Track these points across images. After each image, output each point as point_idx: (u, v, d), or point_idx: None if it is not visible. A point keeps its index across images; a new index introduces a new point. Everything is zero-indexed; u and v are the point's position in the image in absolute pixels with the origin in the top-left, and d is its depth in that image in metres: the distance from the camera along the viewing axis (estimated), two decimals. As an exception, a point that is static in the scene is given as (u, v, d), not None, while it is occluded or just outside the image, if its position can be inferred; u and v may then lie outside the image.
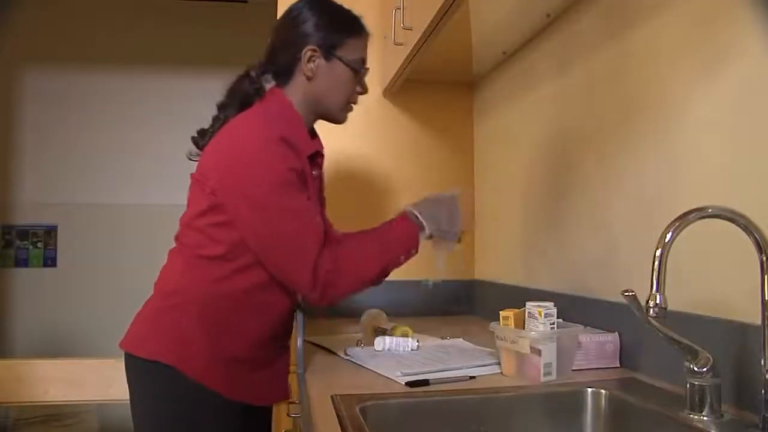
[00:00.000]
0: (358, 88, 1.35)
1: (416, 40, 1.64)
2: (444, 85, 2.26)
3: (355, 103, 1.37)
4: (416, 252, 1.29)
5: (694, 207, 0.84)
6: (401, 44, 1.78)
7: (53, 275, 4.27)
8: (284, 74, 1.31)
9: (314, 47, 1.27)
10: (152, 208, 4.05)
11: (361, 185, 2.22)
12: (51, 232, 4.30)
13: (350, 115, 2.18)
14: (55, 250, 4.30)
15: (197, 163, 1.27)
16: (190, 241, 1.25)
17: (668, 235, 0.82)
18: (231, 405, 1.21)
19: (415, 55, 1.74)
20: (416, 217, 1.29)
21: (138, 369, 1.23)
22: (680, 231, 0.82)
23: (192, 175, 1.27)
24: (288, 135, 1.21)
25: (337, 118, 1.37)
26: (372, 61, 2.18)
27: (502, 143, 2.07)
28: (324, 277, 1.15)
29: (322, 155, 1.38)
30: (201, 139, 1.33)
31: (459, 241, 1.37)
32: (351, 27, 1.32)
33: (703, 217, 0.83)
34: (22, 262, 4.27)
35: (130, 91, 4.32)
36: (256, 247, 1.18)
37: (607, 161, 1.39)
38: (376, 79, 2.23)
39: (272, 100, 1.30)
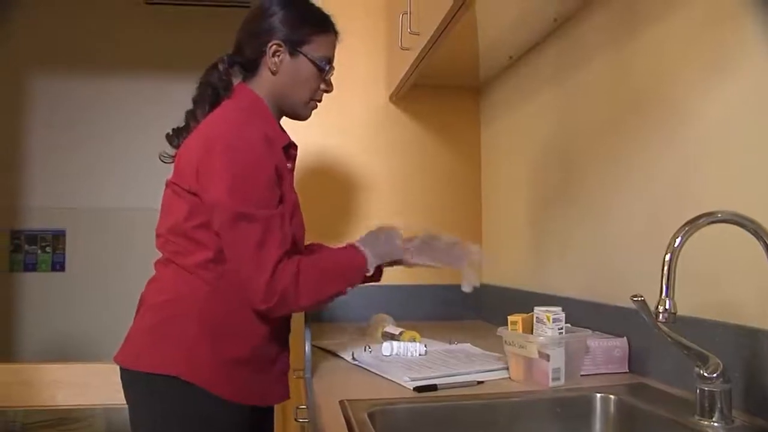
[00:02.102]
0: (323, 86, 1.35)
1: (423, 45, 1.64)
2: (450, 89, 2.26)
3: (319, 100, 1.37)
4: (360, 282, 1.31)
5: (703, 212, 0.84)
6: (408, 49, 1.78)
7: (61, 279, 4.29)
8: (251, 67, 1.32)
9: (279, 42, 1.28)
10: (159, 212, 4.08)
11: (367, 190, 2.22)
12: (59, 236, 4.33)
13: (357, 120, 2.22)
14: (64, 255, 4.33)
15: (173, 166, 1.27)
16: (176, 248, 1.24)
17: (677, 240, 0.81)
18: (238, 408, 1.21)
19: (421, 60, 1.75)
20: (360, 249, 1.31)
21: (137, 384, 1.22)
22: (689, 236, 0.82)
23: (168, 180, 1.27)
24: (263, 128, 1.22)
25: (299, 113, 1.37)
26: (378, 66, 2.23)
27: (509, 147, 2.06)
28: (281, 292, 1.14)
29: (296, 146, 1.37)
30: (176, 137, 1.33)
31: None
32: (319, 24, 1.32)
33: (713, 222, 0.83)
34: (31, 267, 4.30)
35: (137, 96, 4.34)
36: (222, 243, 1.18)
37: (614, 165, 1.39)
38: (382, 84, 2.24)
39: (241, 96, 1.31)
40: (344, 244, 1.33)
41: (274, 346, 1.28)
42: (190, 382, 1.16)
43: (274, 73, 1.29)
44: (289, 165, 1.33)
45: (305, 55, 1.29)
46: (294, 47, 1.28)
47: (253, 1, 4.17)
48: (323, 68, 1.31)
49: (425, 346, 1.50)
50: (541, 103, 1.80)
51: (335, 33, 1.35)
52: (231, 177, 1.14)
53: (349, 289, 1.27)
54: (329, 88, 1.36)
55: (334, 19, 1.35)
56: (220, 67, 1.33)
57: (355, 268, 1.29)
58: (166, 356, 1.18)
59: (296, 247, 1.28)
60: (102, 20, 4.34)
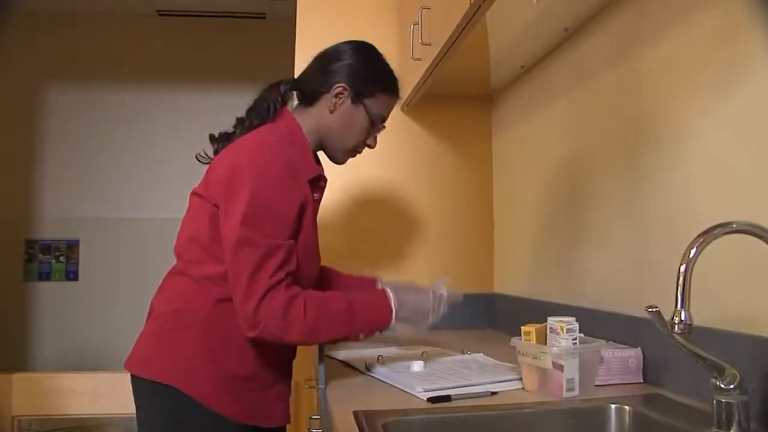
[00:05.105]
0: (369, 141, 1.39)
1: (434, 56, 1.65)
2: (462, 99, 2.26)
3: (359, 152, 1.41)
4: (380, 332, 1.28)
5: (718, 222, 0.83)
6: (419, 59, 1.79)
7: (75, 289, 4.34)
8: (310, 98, 1.35)
9: (346, 86, 1.32)
10: (173, 222, 4.08)
11: (379, 200, 2.23)
12: (73, 246, 4.37)
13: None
14: (77, 264, 4.37)
15: (203, 178, 1.29)
16: (191, 257, 1.26)
17: (692, 251, 0.81)
18: (236, 427, 1.21)
19: (433, 70, 1.75)
20: (391, 300, 1.27)
21: (143, 390, 1.24)
22: (704, 247, 0.81)
23: (194, 189, 1.29)
24: (292, 158, 1.23)
25: (337, 158, 1.41)
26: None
27: (521, 157, 2.06)
28: (265, 321, 1.12)
29: (325, 179, 1.39)
30: (219, 142, 1.34)
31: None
32: (387, 84, 1.37)
33: (728, 233, 0.83)
34: (45, 276, 4.34)
35: (150, 106, 4.39)
36: (226, 262, 1.18)
37: (628, 174, 1.38)
38: (394, 93, 2.25)
39: (282, 122, 1.33)
40: (376, 289, 1.32)
41: (276, 369, 1.28)
42: (188, 394, 1.17)
43: (331, 111, 1.33)
44: (316, 195, 1.34)
45: (365, 107, 1.33)
46: (358, 96, 1.32)
47: (269, 13, 4.22)
48: (376, 124, 1.36)
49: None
50: (552, 113, 1.80)
51: (398, 97, 1.40)
52: (248, 207, 1.15)
53: (363, 336, 1.24)
54: (373, 144, 1.41)
55: (401, 83, 1.40)
56: (282, 87, 1.36)
57: (374, 318, 1.25)
58: (167, 366, 1.21)
59: (304, 281, 1.25)
60: (116, 31, 4.40)
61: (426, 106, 2.19)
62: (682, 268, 0.81)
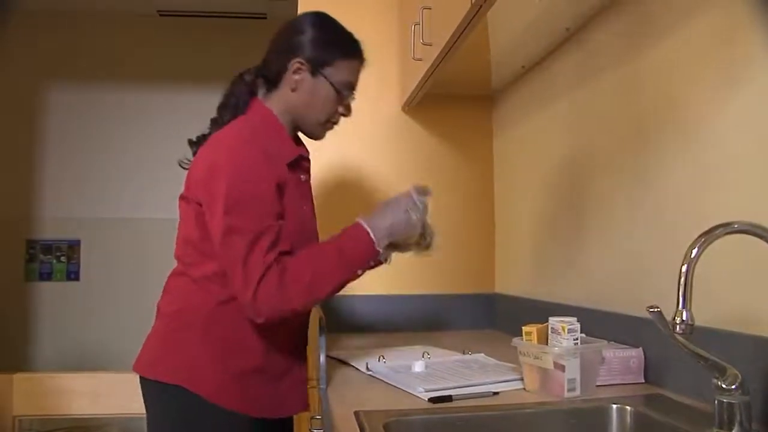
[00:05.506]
0: (341, 110, 1.35)
1: (435, 56, 1.65)
2: (463, 99, 2.26)
3: (335, 122, 1.37)
4: (375, 263, 1.24)
5: (719, 223, 0.83)
6: (420, 60, 1.79)
7: (76, 289, 4.34)
8: (273, 81, 1.33)
9: (302, 60, 1.29)
10: (174, 222, 4.10)
11: (380, 199, 2.22)
12: (74, 246, 4.37)
13: (370, 130, 2.23)
14: (78, 264, 4.37)
15: (185, 180, 1.29)
16: (188, 259, 1.27)
17: (694, 251, 0.81)
18: (247, 420, 1.21)
19: (434, 70, 1.75)
20: (365, 226, 1.23)
21: (151, 391, 1.25)
22: (706, 247, 0.81)
23: (180, 194, 1.29)
24: (268, 146, 1.22)
25: (313, 133, 1.37)
26: (391, 76, 2.23)
27: (522, 157, 2.06)
28: (268, 304, 1.12)
29: (308, 159, 1.37)
30: (197, 145, 1.34)
31: (428, 246, 1.34)
32: (344, 49, 1.33)
33: (729, 233, 0.83)
34: (46, 276, 4.35)
35: (151, 106, 4.40)
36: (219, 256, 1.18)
37: (629, 174, 1.38)
38: (395, 94, 2.25)
39: (254, 112, 1.31)
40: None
41: (287, 358, 1.29)
42: (195, 393, 1.17)
43: (293, 90, 1.30)
44: (303, 177, 1.34)
45: (326, 77, 1.30)
46: (316, 67, 1.29)
47: (270, 13, 4.21)
48: (342, 92, 1.32)
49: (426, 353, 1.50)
50: (554, 113, 1.80)
51: (361, 59, 1.35)
52: (228, 197, 1.15)
53: (360, 272, 1.21)
54: (347, 112, 1.37)
55: (362, 45, 1.35)
56: (246, 78, 1.35)
57: (359, 248, 1.21)
58: (173, 366, 1.21)
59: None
60: (117, 31, 4.40)
61: (427, 106, 2.19)
62: (684, 268, 0.81)
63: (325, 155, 2.14)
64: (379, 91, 2.24)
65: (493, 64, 1.91)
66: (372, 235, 1.21)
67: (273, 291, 1.12)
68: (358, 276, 1.23)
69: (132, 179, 4.35)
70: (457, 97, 2.25)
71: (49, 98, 4.38)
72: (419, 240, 1.34)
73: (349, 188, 2.20)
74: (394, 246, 1.29)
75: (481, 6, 1.29)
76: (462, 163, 2.29)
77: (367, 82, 2.25)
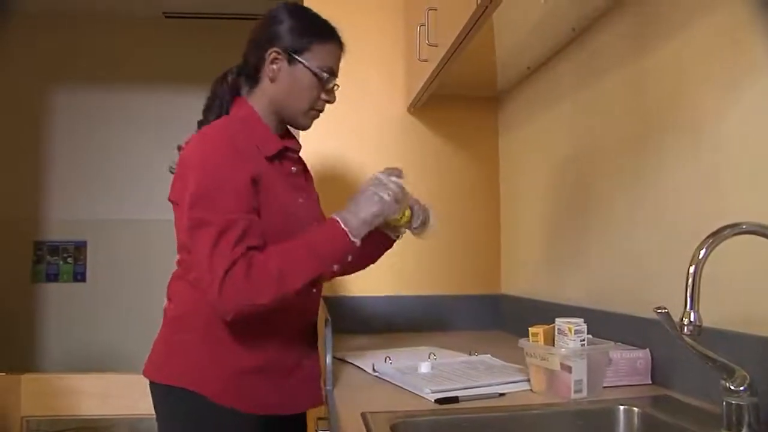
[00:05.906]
0: (324, 96, 1.32)
1: (441, 57, 1.65)
2: (469, 99, 2.26)
3: (320, 110, 1.34)
4: (351, 257, 1.21)
5: (726, 223, 0.83)
6: (426, 61, 1.79)
7: (83, 290, 4.36)
8: (253, 77, 1.32)
9: (278, 49, 1.27)
10: (179, 223, 4.13)
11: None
12: (81, 247, 4.39)
13: (375, 131, 2.23)
14: (85, 265, 4.39)
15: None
16: (184, 263, 1.27)
17: (701, 252, 0.81)
18: (253, 418, 1.21)
19: (440, 71, 1.75)
20: (339, 220, 1.20)
21: (159, 395, 1.26)
22: (714, 248, 0.81)
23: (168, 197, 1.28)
24: (244, 142, 1.21)
25: (298, 122, 1.35)
26: (396, 77, 2.24)
27: (528, 157, 2.06)
28: (233, 302, 1.09)
29: (295, 150, 1.35)
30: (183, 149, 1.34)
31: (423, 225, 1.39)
32: (319, 34, 1.30)
33: (737, 234, 0.82)
34: (53, 277, 4.37)
35: (157, 108, 4.41)
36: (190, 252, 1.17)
37: (636, 175, 1.38)
38: (400, 95, 2.25)
39: (237, 111, 1.30)
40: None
41: (294, 355, 1.28)
42: (200, 394, 1.18)
43: (272, 80, 1.29)
44: (293, 169, 1.33)
45: (303, 64, 1.28)
46: (292, 55, 1.27)
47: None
48: (322, 78, 1.29)
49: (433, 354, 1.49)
50: (559, 113, 1.80)
51: (338, 44, 1.33)
52: (196, 190, 1.14)
53: (336, 267, 1.18)
54: (330, 98, 1.34)
55: (339, 32, 1.33)
56: (229, 77, 1.34)
57: (332, 243, 1.17)
58: (178, 369, 1.22)
59: None
60: (122, 33, 4.41)
61: (432, 106, 2.19)
62: (692, 269, 0.80)
63: (330, 155, 2.15)
64: (384, 92, 2.24)
65: (499, 65, 1.91)
66: (344, 226, 1.18)
67: (239, 285, 1.08)
68: (335, 271, 1.20)
69: (138, 181, 4.37)
70: (463, 98, 2.25)
71: (55, 100, 4.40)
72: (409, 220, 1.36)
73: (354, 189, 2.19)
74: (385, 228, 1.34)
75: (486, 7, 1.29)
76: (468, 164, 2.29)
77: (373, 83, 2.28)
